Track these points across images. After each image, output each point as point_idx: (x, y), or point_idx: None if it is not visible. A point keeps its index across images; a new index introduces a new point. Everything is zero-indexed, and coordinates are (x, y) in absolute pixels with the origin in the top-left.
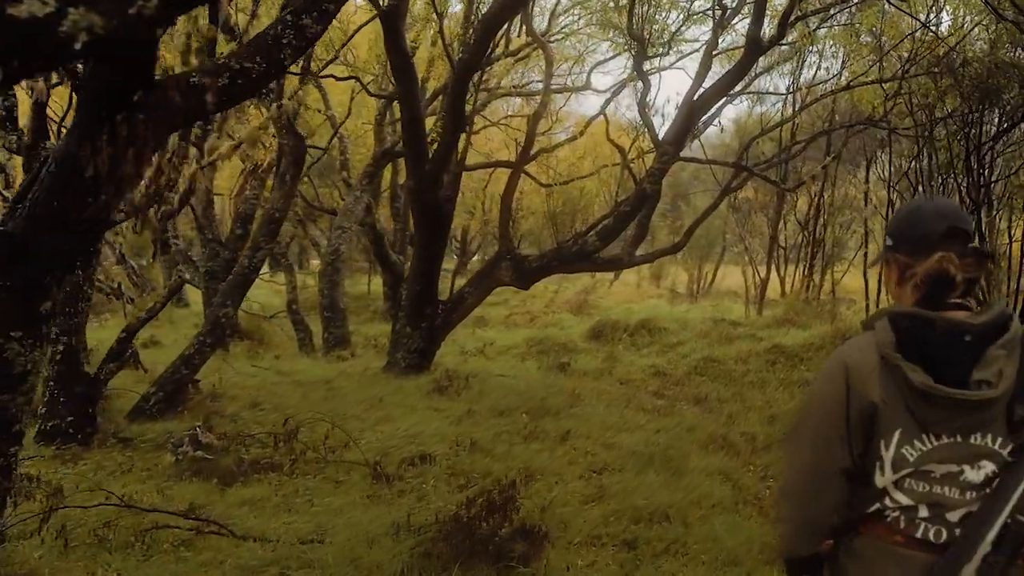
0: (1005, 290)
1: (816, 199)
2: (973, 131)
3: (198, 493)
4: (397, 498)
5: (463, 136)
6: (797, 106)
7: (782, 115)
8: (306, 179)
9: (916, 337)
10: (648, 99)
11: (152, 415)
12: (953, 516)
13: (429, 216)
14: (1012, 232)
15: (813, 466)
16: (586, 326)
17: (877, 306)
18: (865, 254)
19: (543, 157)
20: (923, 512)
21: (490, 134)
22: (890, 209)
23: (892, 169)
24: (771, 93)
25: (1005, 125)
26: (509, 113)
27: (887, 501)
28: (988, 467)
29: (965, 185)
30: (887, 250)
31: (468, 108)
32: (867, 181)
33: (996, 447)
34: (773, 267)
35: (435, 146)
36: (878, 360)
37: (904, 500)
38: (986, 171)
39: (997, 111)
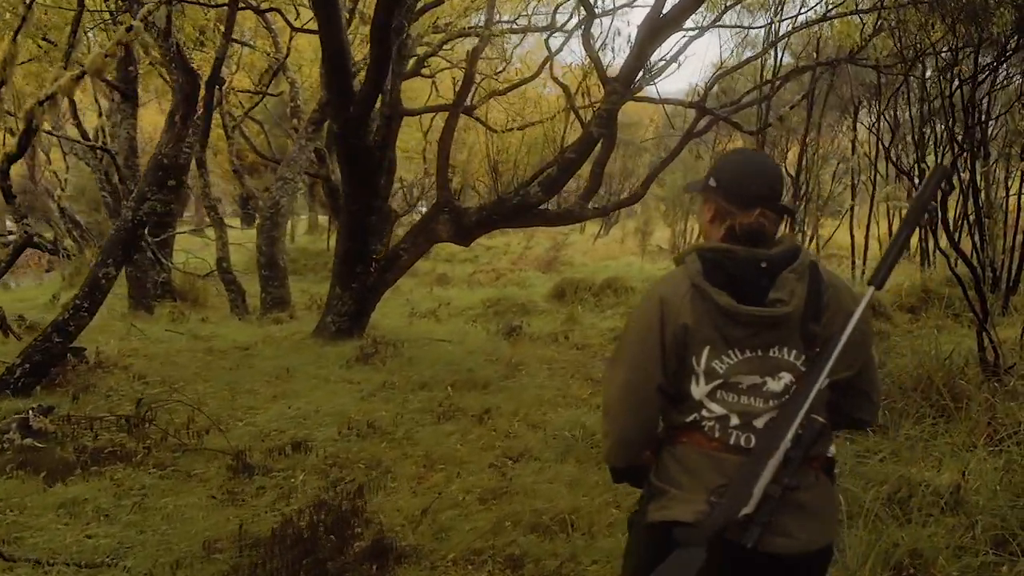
0: (1001, 247)
1: (800, 148)
2: (959, 67)
3: (13, 492)
4: (253, 498)
5: (398, 75)
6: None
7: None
8: (256, 126)
9: (720, 266)
10: (595, 31)
11: (19, 390)
12: (759, 423)
13: (357, 164)
14: (1009, 185)
15: (630, 384)
16: (550, 285)
17: (866, 263)
18: (852, 207)
19: (495, 102)
20: (734, 421)
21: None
22: (879, 159)
23: (877, 115)
24: (740, 27)
25: (996, 57)
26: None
27: (703, 412)
28: (786, 377)
29: (953, 128)
30: (709, 190)
31: (425, 49)
32: (854, 128)
33: (791, 359)
34: None
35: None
36: (689, 288)
37: (718, 410)
38: (976, 111)
39: (989, 41)
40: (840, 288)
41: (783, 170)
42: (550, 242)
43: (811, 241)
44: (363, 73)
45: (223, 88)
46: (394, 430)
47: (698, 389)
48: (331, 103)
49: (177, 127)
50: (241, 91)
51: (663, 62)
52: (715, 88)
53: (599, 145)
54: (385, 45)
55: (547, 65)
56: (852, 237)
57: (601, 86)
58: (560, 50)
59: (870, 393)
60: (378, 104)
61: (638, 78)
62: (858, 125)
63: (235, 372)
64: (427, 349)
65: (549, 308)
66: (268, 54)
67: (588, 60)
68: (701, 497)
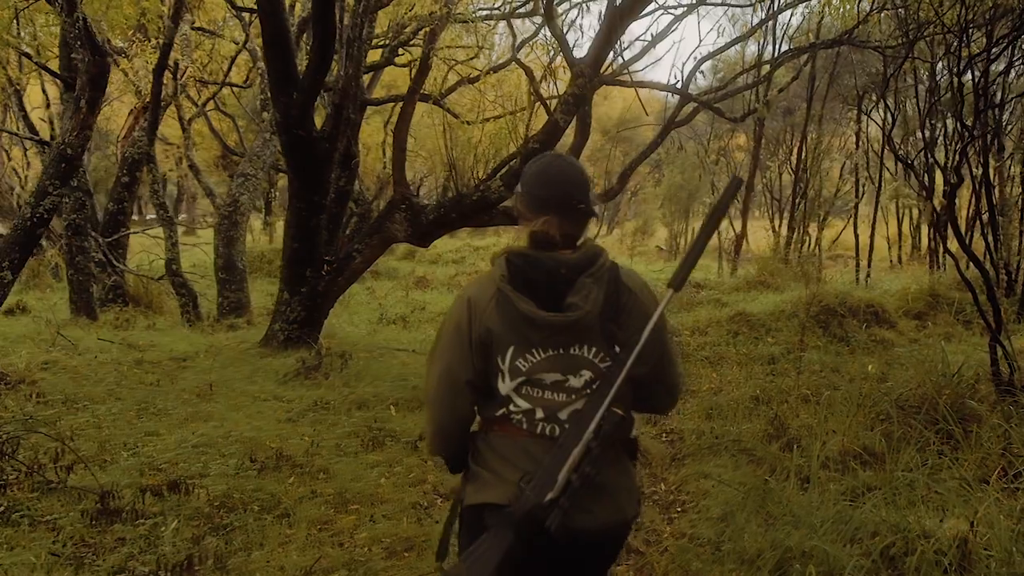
0: (1016, 247)
1: (799, 142)
2: (968, 43)
3: None
4: (106, 553)
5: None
6: (767, 25)
7: (760, 45)
8: (228, 119)
9: (524, 272)
10: (561, 7)
11: None
12: (563, 415)
13: (300, 156)
14: None
15: (443, 380)
16: None
17: (870, 265)
18: (856, 206)
19: (468, 91)
20: (540, 414)
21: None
22: (885, 153)
23: (882, 105)
24: (728, 4)
25: (1014, 28)
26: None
27: (511, 406)
28: (586, 374)
29: (962, 114)
30: (518, 195)
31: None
32: (858, 120)
33: (591, 357)
34: (769, 221)
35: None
36: (494, 292)
37: (524, 404)
38: (987, 95)
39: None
40: (639, 290)
41: (584, 174)
42: None
43: (814, 243)
44: None
45: (179, 78)
46: (308, 461)
47: (505, 386)
48: (271, 89)
49: (82, 113)
50: (208, 82)
51: (643, 42)
52: (710, 76)
53: (576, 136)
54: (328, 23)
55: (516, 50)
56: (856, 237)
57: (568, 69)
58: (534, 36)
59: (668, 387)
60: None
61: (612, 60)
62: (863, 117)
63: (154, 389)
64: (382, 361)
65: None
66: (236, 43)
67: (553, 40)
68: (512, 482)
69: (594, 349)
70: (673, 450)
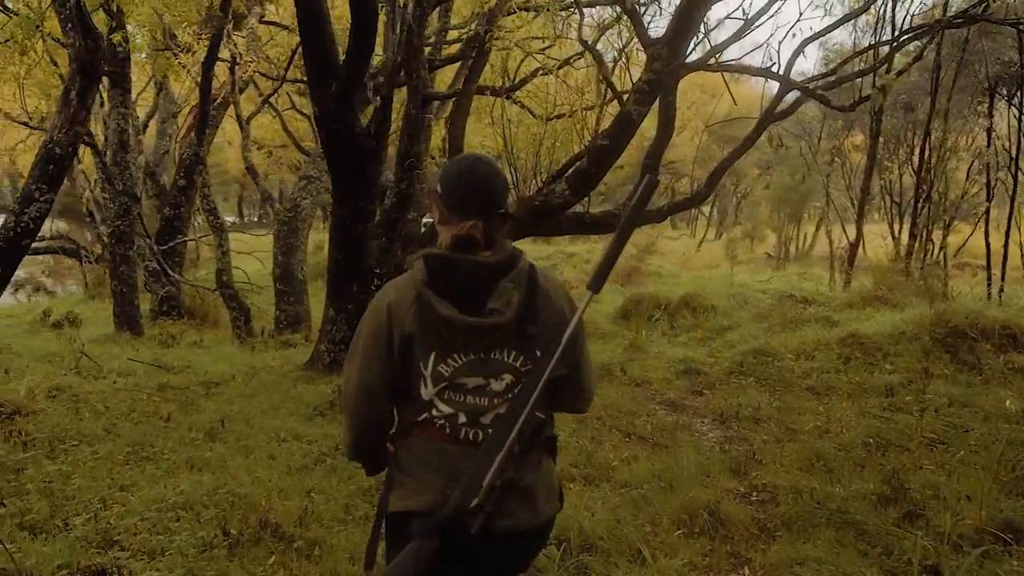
0: None
1: (922, 140)
2: None
3: None
4: None
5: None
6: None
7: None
8: (304, 119)
9: (443, 275)
10: None
11: None
12: (486, 419)
13: (340, 154)
14: None
15: (361, 384)
16: (619, 302)
17: (1004, 276)
18: (987, 210)
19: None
20: (462, 419)
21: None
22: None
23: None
24: None
25: None
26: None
27: (434, 411)
28: (507, 378)
29: None
30: (434, 194)
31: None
32: (990, 115)
33: (511, 361)
34: (888, 227)
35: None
36: (414, 297)
37: (446, 409)
38: None
39: None
40: (553, 292)
41: (502, 176)
42: (636, 248)
43: (938, 251)
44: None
45: (236, 73)
46: (299, 532)
47: (427, 391)
48: (308, 77)
49: (72, 106)
50: (272, 78)
51: (735, 20)
52: (816, 62)
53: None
54: (369, 4)
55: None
56: (988, 244)
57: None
58: (616, 23)
59: (584, 387)
60: None
61: (698, 42)
62: (995, 111)
63: (159, 425)
64: None
65: (612, 331)
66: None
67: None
68: (435, 488)
69: (514, 353)
70: (762, 515)
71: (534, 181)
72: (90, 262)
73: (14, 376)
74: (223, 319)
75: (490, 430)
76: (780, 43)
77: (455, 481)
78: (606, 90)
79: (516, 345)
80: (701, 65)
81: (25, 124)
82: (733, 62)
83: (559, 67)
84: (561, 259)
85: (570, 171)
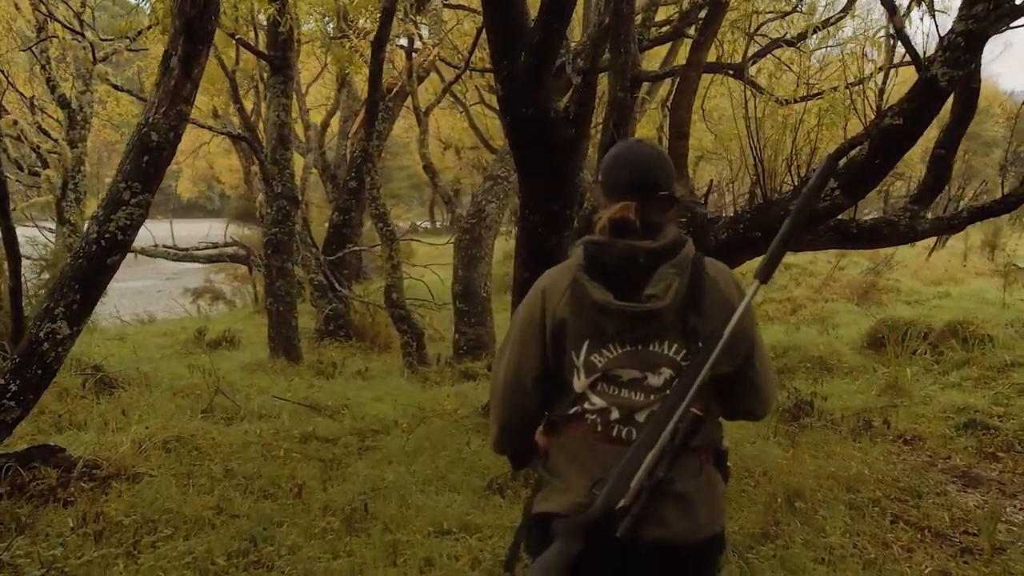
0: None
1: None
2: None
3: None
4: None
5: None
6: None
7: None
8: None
9: (599, 259)
10: None
11: None
12: (640, 416)
13: (528, 145)
14: None
15: (512, 374)
16: (864, 327)
17: None
18: None
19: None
20: (615, 414)
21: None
22: None
23: None
24: None
25: None
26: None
27: (586, 404)
28: (666, 372)
29: None
30: (595, 182)
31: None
32: None
33: (671, 354)
34: None
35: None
36: (569, 281)
37: (599, 403)
38: None
39: None
40: (723, 282)
41: (666, 158)
42: (870, 261)
43: None
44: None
45: (411, 58)
46: None
47: (579, 382)
48: (490, 47)
49: (174, 77)
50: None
51: None
52: None
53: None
54: None
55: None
56: None
57: None
58: None
59: (759, 385)
60: None
61: None
62: None
63: (288, 502)
64: None
65: (860, 364)
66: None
67: None
68: (583, 488)
69: (675, 346)
70: None
71: (787, 179)
72: (258, 269)
73: (132, 419)
74: (395, 340)
75: (644, 427)
76: None
77: (602, 482)
78: (893, 48)
79: (677, 337)
80: None
81: (192, 121)
82: None
83: (826, 24)
84: (780, 270)
85: (841, 162)
